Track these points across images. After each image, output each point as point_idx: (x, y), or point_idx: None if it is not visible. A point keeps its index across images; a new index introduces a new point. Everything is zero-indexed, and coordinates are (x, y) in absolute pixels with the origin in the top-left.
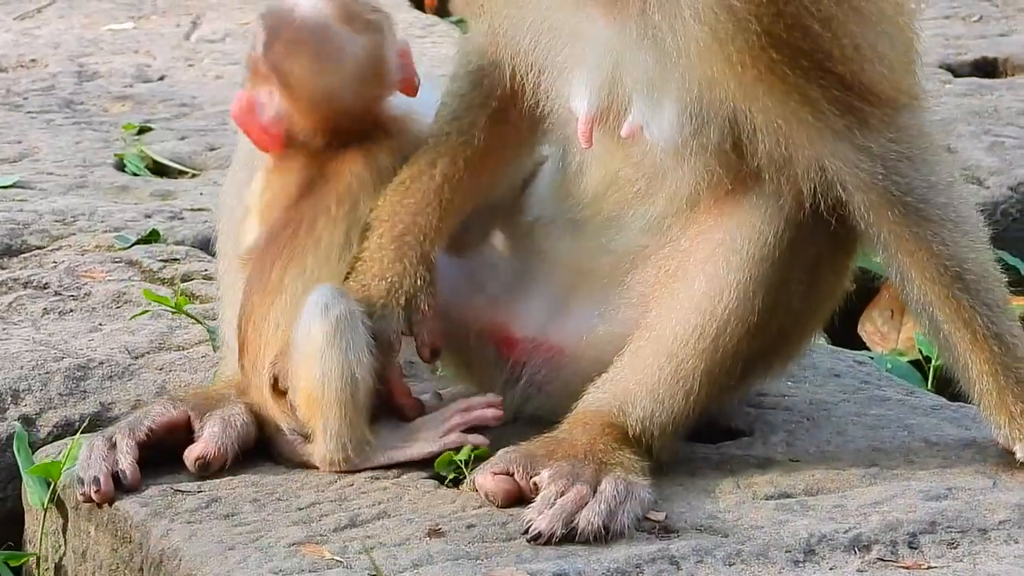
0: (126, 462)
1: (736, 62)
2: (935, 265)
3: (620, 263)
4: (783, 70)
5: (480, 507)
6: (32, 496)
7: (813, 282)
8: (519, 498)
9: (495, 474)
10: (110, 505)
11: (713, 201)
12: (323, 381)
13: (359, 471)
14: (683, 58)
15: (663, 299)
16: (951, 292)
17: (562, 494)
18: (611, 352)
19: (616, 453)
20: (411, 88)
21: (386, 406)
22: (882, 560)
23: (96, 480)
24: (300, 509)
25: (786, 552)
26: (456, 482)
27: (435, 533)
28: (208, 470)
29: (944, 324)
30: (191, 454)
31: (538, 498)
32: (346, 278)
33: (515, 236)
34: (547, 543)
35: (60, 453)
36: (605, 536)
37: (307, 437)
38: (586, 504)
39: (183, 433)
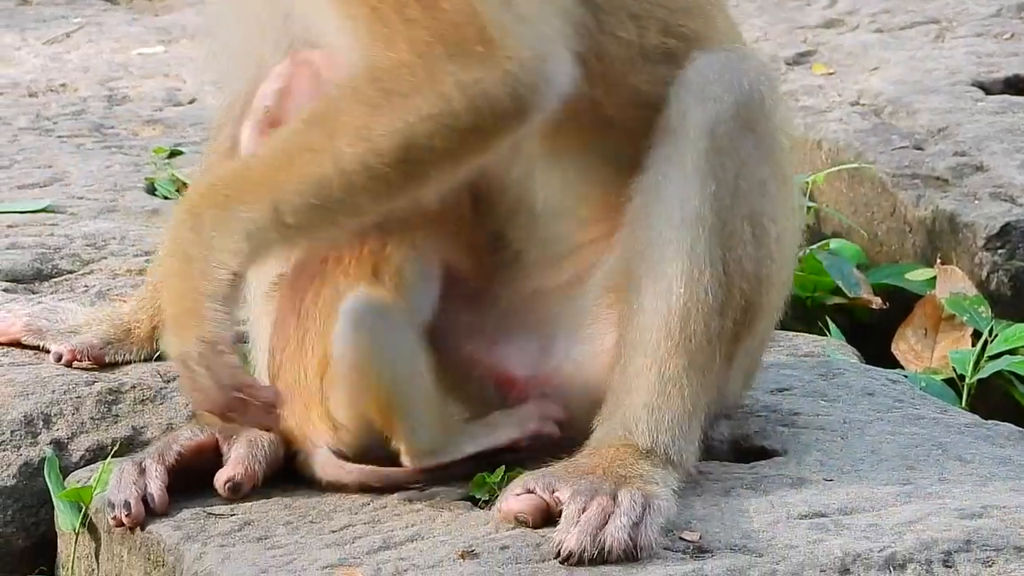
0: (155, 487)
1: None
2: None
3: (576, 286)
4: None
5: (513, 529)
6: (64, 521)
7: (758, 236)
8: (548, 514)
9: (518, 495)
10: (141, 529)
11: (608, 200)
12: (389, 386)
13: (446, 466)
14: None
15: (624, 312)
16: None
17: (584, 510)
18: (600, 371)
19: (634, 467)
20: None
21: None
22: None
23: (127, 504)
24: (333, 531)
25: (821, 571)
26: (489, 503)
27: (469, 555)
28: (239, 492)
29: None
30: (220, 478)
31: (562, 518)
32: None
33: (495, 274)
34: (579, 563)
35: (91, 478)
36: (635, 552)
37: (346, 456)
38: (609, 518)
39: (212, 456)
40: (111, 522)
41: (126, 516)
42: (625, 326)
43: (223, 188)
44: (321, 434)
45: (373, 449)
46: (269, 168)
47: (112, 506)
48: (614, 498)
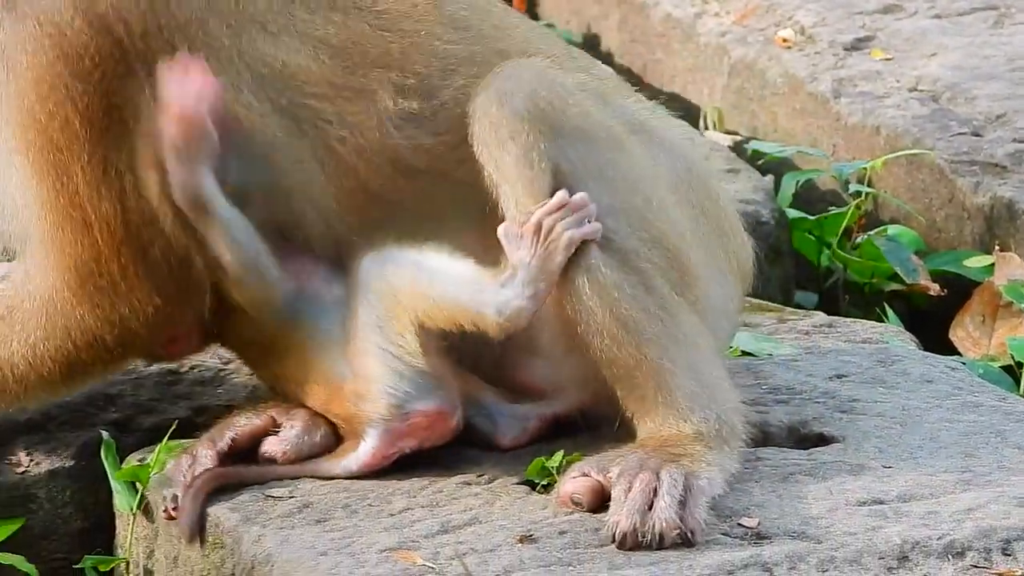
0: (202, 471)
1: None
2: None
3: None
4: None
5: (571, 514)
6: (121, 501)
7: (631, 212)
8: (603, 495)
9: (574, 478)
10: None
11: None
12: (441, 290)
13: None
14: None
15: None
16: None
17: (629, 489)
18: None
19: (683, 447)
20: None
21: None
22: (976, 567)
23: (174, 497)
24: (392, 515)
25: (879, 559)
26: (548, 488)
27: (527, 539)
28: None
29: None
30: (262, 446)
31: (612, 502)
32: None
33: None
34: (636, 547)
35: (149, 459)
36: (688, 536)
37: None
38: (654, 498)
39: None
40: (162, 515)
41: (173, 509)
42: (591, 341)
43: None
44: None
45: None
46: None
47: (163, 498)
48: (657, 475)
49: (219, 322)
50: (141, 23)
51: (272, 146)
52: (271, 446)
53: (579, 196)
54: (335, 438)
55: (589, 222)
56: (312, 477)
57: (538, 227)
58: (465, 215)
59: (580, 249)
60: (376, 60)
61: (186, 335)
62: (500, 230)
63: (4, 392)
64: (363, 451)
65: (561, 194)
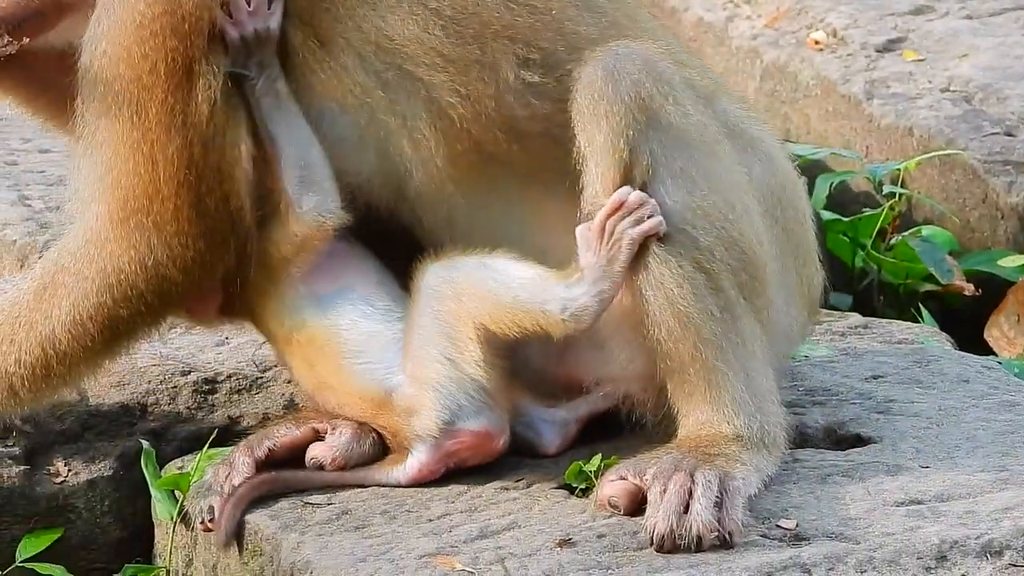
0: (239, 479)
1: None
2: None
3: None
4: None
5: (610, 517)
6: (161, 510)
7: (709, 210)
8: (640, 498)
9: (612, 481)
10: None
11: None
12: (506, 289)
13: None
14: None
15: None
16: None
17: (664, 491)
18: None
19: (720, 447)
20: None
21: None
22: (1014, 566)
23: (210, 509)
24: (430, 520)
25: (918, 558)
26: (586, 492)
27: (566, 543)
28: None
29: None
30: (310, 450)
31: (648, 505)
32: None
33: None
34: (674, 549)
35: (188, 467)
36: (727, 538)
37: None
38: (690, 500)
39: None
40: (199, 526)
41: (209, 520)
42: (649, 332)
43: None
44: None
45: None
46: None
47: (200, 510)
48: (691, 476)
49: (250, 309)
50: None
51: (378, 120)
52: (320, 451)
53: (635, 195)
54: (381, 447)
55: (650, 218)
56: (358, 487)
57: (602, 229)
58: (574, 179)
59: (651, 243)
60: (499, 32)
61: (211, 295)
62: (578, 232)
63: (48, 377)
64: (410, 466)
65: (618, 194)
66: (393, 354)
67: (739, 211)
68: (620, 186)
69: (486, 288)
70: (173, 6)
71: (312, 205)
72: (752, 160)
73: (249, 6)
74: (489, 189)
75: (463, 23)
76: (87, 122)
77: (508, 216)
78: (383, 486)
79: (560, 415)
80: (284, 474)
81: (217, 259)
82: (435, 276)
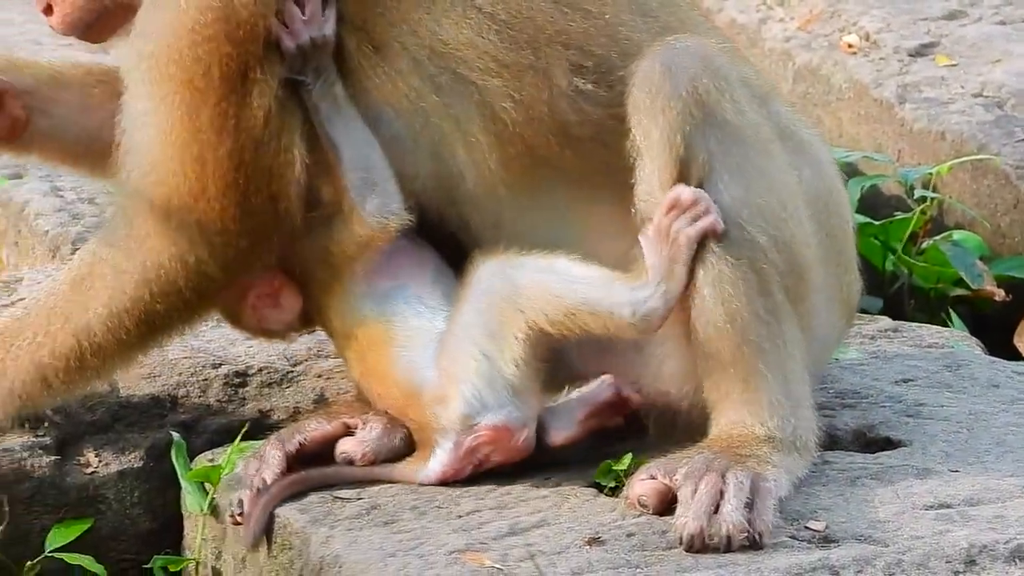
0: (269, 474)
1: None
2: None
3: None
4: None
5: (639, 516)
6: (191, 502)
7: (761, 210)
8: (669, 498)
9: (642, 480)
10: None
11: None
12: (573, 292)
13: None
14: None
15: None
16: None
17: (695, 491)
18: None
19: (751, 448)
20: None
21: None
22: None
23: (240, 503)
24: (460, 517)
25: (946, 562)
26: (615, 491)
27: (595, 541)
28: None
29: None
30: (340, 445)
31: (678, 504)
32: None
33: None
34: (704, 549)
35: (218, 459)
36: (756, 538)
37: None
38: (720, 500)
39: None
40: (229, 520)
41: (239, 514)
42: (696, 329)
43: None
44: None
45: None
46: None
47: (231, 503)
48: (723, 476)
49: (318, 307)
50: None
51: (432, 124)
52: (350, 447)
53: (688, 192)
54: (411, 443)
55: (706, 215)
56: (386, 483)
57: (660, 230)
58: (623, 183)
59: (709, 240)
60: (552, 37)
61: (275, 292)
62: (641, 237)
63: (82, 368)
64: (434, 465)
65: (672, 194)
66: (433, 349)
67: (790, 212)
68: (676, 182)
69: (550, 289)
70: (227, 13)
71: (375, 207)
72: (802, 163)
73: (304, 14)
74: (539, 193)
75: (517, 28)
76: (130, 119)
77: (556, 221)
78: (410, 483)
79: (565, 404)
80: (313, 472)
81: (257, 257)
82: (490, 273)
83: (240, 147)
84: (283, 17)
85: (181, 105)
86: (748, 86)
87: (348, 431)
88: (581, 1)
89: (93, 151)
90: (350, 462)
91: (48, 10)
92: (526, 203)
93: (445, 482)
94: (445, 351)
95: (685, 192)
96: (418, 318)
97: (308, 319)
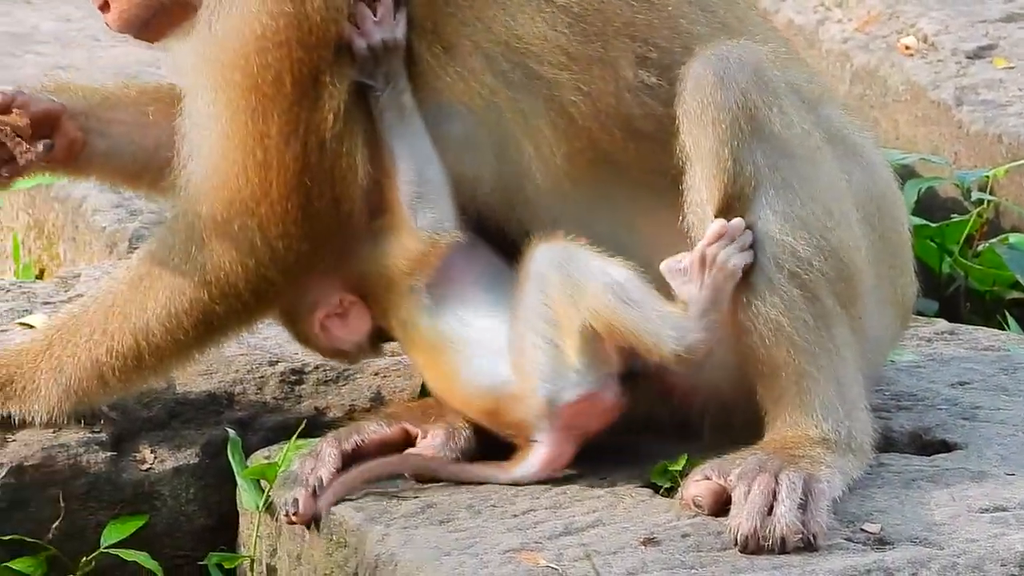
0: (325, 472)
1: None
2: None
3: None
4: None
5: (694, 516)
6: (247, 499)
7: (812, 217)
8: (724, 498)
9: (696, 481)
10: (307, 527)
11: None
12: (626, 309)
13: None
14: None
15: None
16: None
17: (749, 491)
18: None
19: (806, 449)
20: None
21: None
22: None
23: (294, 502)
24: (515, 516)
25: (1001, 565)
26: (671, 491)
27: (650, 542)
28: (421, 479)
29: None
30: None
31: (732, 505)
32: None
33: None
34: (758, 550)
35: (274, 456)
36: (811, 539)
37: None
38: (774, 501)
39: (398, 450)
40: (283, 519)
41: (293, 514)
42: (743, 339)
43: (58, 346)
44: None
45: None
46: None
47: (285, 501)
48: (776, 477)
49: (384, 320)
50: None
51: (503, 120)
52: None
53: (736, 222)
54: (476, 442)
55: (752, 243)
56: (483, 483)
57: (703, 259)
58: (675, 189)
59: (755, 253)
60: (620, 29)
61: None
62: (663, 266)
63: (139, 367)
64: (533, 460)
65: (719, 223)
66: (502, 350)
67: (837, 218)
68: (723, 194)
69: (604, 302)
70: (300, 18)
71: (428, 222)
72: (852, 167)
73: (375, 16)
74: (602, 191)
75: (588, 20)
76: (191, 123)
77: (614, 223)
78: (516, 484)
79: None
80: (413, 458)
81: (317, 261)
82: (548, 262)
83: (307, 151)
84: (354, 20)
85: (246, 110)
86: (798, 92)
87: (407, 437)
88: None
89: (151, 169)
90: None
91: (104, 7)
92: (587, 202)
93: (553, 471)
94: (513, 347)
95: (734, 221)
96: (482, 320)
97: (376, 340)
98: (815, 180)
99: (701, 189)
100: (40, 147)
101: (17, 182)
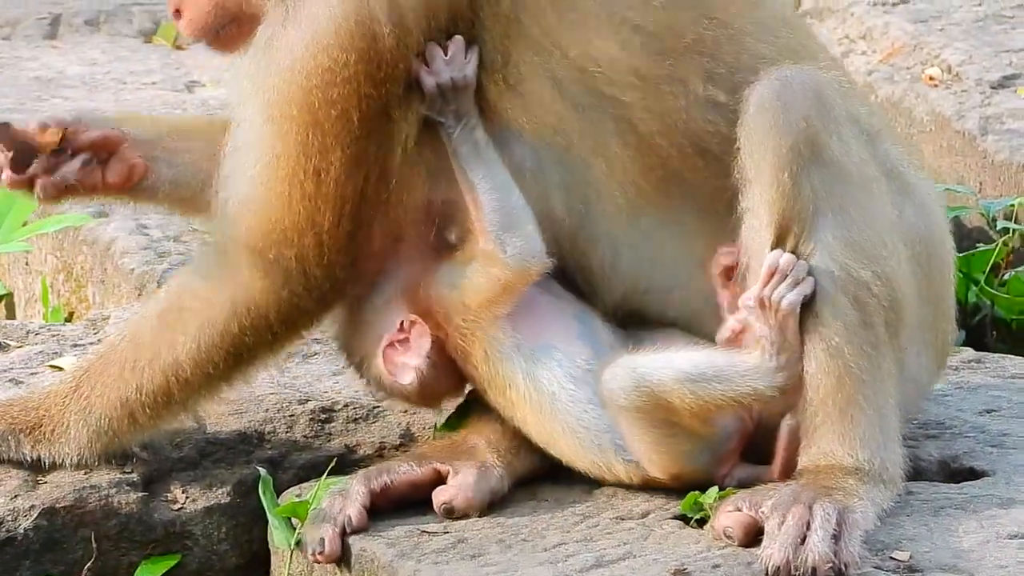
0: (354, 508)
1: None
2: None
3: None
4: None
5: (725, 548)
6: (279, 537)
7: (864, 244)
8: (755, 530)
9: (728, 511)
10: (338, 566)
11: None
12: (705, 383)
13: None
14: None
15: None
16: None
17: (783, 522)
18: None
19: (838, 480)
20: None
21: None
22: None
23: (321, 541)
24: (546, 550)
25: None
26: (701, 523)
27: (681, 573)
28: (452, 515)
29: None
30: (439, 496)
31: (765, 535)
32: None
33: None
34: None
35: (306, 495)
36: (838, 565)
37: None
38: (807, 532)
39: (428, 490)
40: (310, 558)
41: (320, 554)
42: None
43: (86, 386)
44: None
45: None
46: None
47: (312, 540)
48: (810, 508)
49: (460, 356)
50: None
51: (572, 147)
52: (450, 495)
53: (787, 258)
54: (510, 480)
55: (804, 280)
56: None
57: (761, 302)
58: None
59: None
60: (690, 46)
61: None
62: (740, 302)
63: (168, 403)
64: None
65: (769, 263)
66: (594, 413)
67: (890, 248)
68: (783, 217)
69: (684, 391)
70: (371, 54)
71: (517, 250)
72: (905, 204)
73: (446, 55)
74: (673, 216)
75: (661, 37)
76: (237, 146)
77: (681, 249)
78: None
79: None
80: None
81: (351, 287)
82: (620, 385)
83: (367, 184)
84: (424, 58)
85: (298, 144)
86: (858, 123)
87: (439, 477)
88: (714, 9)
89: None
90: (451, 511)
91: (177, 14)
92: (654, 229)
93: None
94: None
95: (784, 257)
96: (573, 382)
97: (457, 377)
98: (869, 208)
99: (760, 213)
100: (77, 162)
101: (68, 199)
